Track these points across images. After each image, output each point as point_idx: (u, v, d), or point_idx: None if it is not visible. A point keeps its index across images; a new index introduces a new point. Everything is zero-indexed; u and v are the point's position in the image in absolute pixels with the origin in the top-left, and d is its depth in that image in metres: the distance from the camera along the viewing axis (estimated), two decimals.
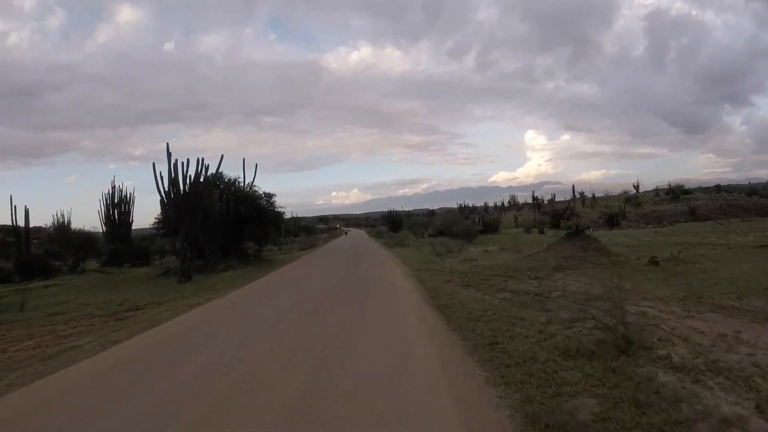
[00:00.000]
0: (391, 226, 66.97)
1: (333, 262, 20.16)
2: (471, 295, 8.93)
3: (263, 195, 23.82)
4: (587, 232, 17.17)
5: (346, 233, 57.49)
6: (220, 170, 23.43)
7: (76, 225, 27.68)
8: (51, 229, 27.52)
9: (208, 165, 17.28)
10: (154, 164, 16.11)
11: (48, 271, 21.44)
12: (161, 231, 22.34)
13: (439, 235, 44.01)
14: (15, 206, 21.89)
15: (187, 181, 16.52)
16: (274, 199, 24.22)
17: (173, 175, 16.02)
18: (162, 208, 17.49)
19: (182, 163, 16.60)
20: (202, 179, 17.25)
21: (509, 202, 77.76)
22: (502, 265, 14.54)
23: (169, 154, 16.11)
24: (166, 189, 16.43)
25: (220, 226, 20.00)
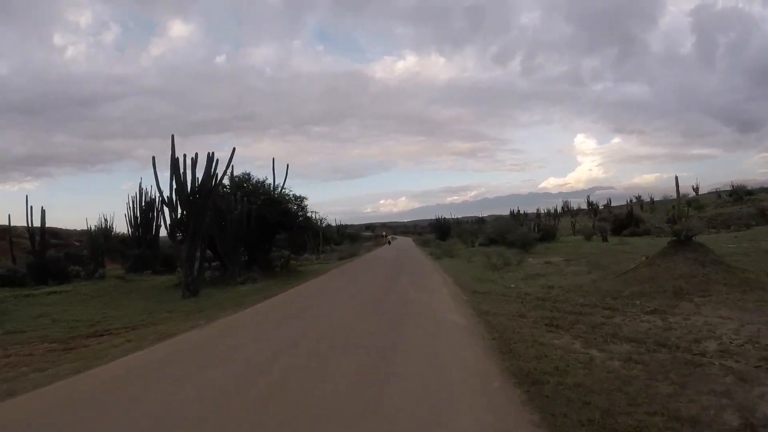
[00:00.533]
0: (439, 234, 63.17)
1: (368, 278, 17.01)
2: (567, 348, 5.41)
3: (293, 198, 21.01)
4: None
5: (389, 242, 54.23)
6: (247, 173, 21.00)
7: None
8: (93, 233, 26.39)
9: (217, 160, 14.51)
10: (153, 158, 13.63)
11: (63, 276, 19.71)
12: (178, 236, 19.98)
13: (492, 244, 40.55)
14: (31, 206, 20.33)
15: (196, 181, 13.90)
16: (306, 202, 21.33)
17: (181, 171, 13.45)
18: (168, 211, 15.02)
19: (191, 158, 14.00)
20: (221, 178, 14.60)
21: (562, 208, 72.10)
22: (586, 286, 10.80)
23: (173, 149, 13.55)
24: (176, 189, 13.85)
25: (240, 233, 17.31)
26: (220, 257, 18.57)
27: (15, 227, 32.96)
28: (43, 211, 20.74)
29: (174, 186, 13.46)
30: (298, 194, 21.28)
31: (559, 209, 69.35)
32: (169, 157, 13.17)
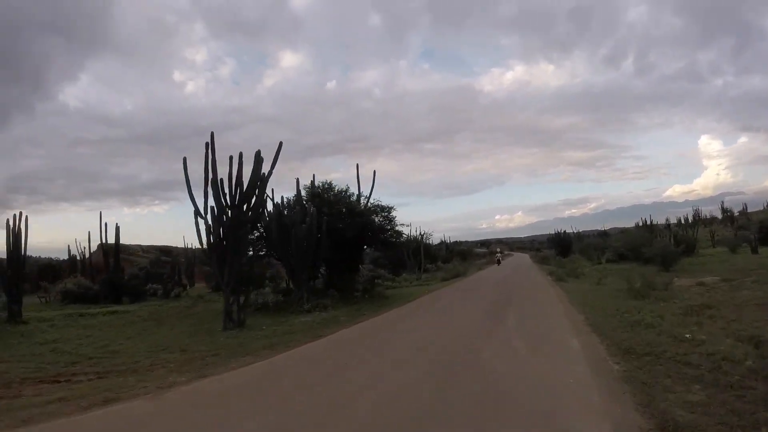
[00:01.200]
0: (559, 249, 55.72)
1: (463, 311, 13.08)
2: None
3: (378, 209, 17.80)
4: None
5: (498, 262, 48.98)
6: (329, 182, 18.33)
7: None
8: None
9: (262, 159, 11.74)
10: (185, 159, 11.25)
11: (137, 294, 18.74)
12: (261, 252, 17.76)
13: (621, 260, 35.03)
14: (105, 223, 19.72)
15: (238, 188, 11.29)
16: (395, 213, 17.98)
17: (212, 176, 10.93)
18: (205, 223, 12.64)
19: (233, 158, 11.43)
20: (267, 176, 11.91)
21: (693, 216, 60.70)
22: None
23: (212, 149, 11.08)
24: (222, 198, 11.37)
25: (306, 250, 14.44)
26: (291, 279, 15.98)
27: (128, 246, 34.61)
28: (117, 229, 19.82)
29: (212, 192, 10.91)
30: (385, 204, 18.02)
31: (685, 219, 58.23)
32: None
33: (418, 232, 41.78)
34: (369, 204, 18.06)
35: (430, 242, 45.07)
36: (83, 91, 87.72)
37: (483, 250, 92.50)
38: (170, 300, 18.72)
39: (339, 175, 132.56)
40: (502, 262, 64.74)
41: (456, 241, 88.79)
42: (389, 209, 17.83)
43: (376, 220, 17.88)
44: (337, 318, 12.47)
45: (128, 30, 79.96)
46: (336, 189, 18.32)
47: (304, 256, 14.48)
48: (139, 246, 47.74)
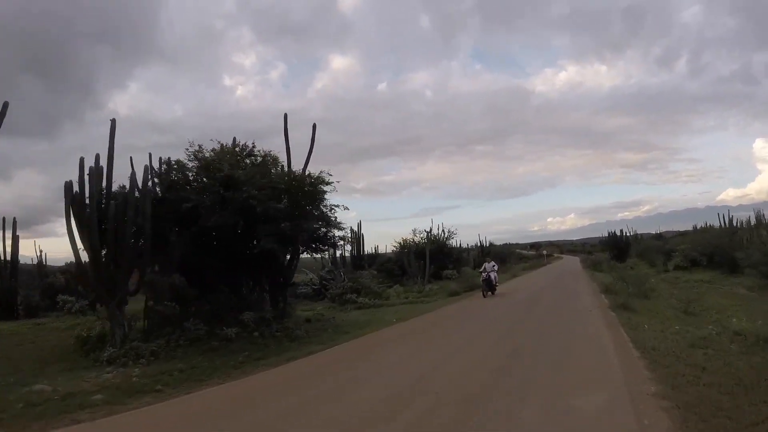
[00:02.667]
0: (615, 252, 46.46)
1: (436, 376, 5.91)
2: None
3: (311, 179, 10.99)
4: None
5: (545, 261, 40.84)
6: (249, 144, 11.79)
7: None
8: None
9: None
10: None
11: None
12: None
13: (693, 267, 30.77)
14: None
15: None
16: (332, 184, 11.09)
17: None
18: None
19: None
20: None
21: (757, 219, 49.30)
22: None
23: None
24: None
25: (126, 250, 7.72)
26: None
27: None
28: None
29: None
30: (320, 175, 11.08)
31: (741, 223, 47.19)
32: None
33: (440, 230, 34.52)
34: (307, 177, 11.18)
35: (454, 243, 37.31)
36: (133, 98, 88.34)
37: (531, 252, 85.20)
38: (70, 316, 13.28)
39: (391, 177, 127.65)
40: (547, 265, 56.23)
41: (506, 243, 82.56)
42: (321, 181, 10.80)
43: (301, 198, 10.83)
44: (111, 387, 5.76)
45: (176, 37, 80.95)
46: (257, 154, 11.57)
47: (119, 261, 7.78)
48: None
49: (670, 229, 73.49)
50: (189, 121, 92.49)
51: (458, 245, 43.90)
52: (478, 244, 55.80)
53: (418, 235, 32.77)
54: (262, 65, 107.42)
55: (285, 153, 12.14)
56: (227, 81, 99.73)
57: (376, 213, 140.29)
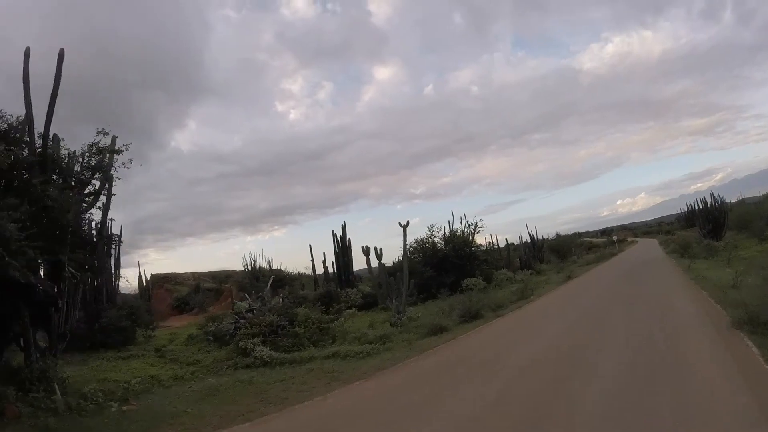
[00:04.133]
0: (710, 228, 35.40)
1: None
2: None
3: None
4: None
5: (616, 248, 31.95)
6: None
7: None
8: None
9: None
10: None
11: None
12: None
13: None
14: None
15: None
16: None
17: None
18: None
19: None
20: None
21: None
22: None
23: None
24: None
25: None
26: None
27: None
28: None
29: None
30: None
31: None
32: None
33: (463, 225, 26.53)
34: None
35: (492, 240, 28.75)
36: (193, 135, 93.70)
37: (600, 239, 75.50)
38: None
39: (450, 178, 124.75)
40: (619, 254, 46.11)
41: (575, 233, 78.05)
42: None
43: None
44: None
45: (222, 74, 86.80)
46: None
47: None
48: (192, 273, 42.06)
49: (749, 195, 60.61)
50: (248, 150, 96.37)
51: (491, 243, 35.70)
52: (528, 240, 46.61)
53: (437, 232, 25.33)
54: (310, 87, 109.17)
55: None
56: (279, 107, 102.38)
57: (439, 216, 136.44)
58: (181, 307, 31.70)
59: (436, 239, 24.75)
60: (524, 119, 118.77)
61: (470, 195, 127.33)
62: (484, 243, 26.55)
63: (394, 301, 13.76)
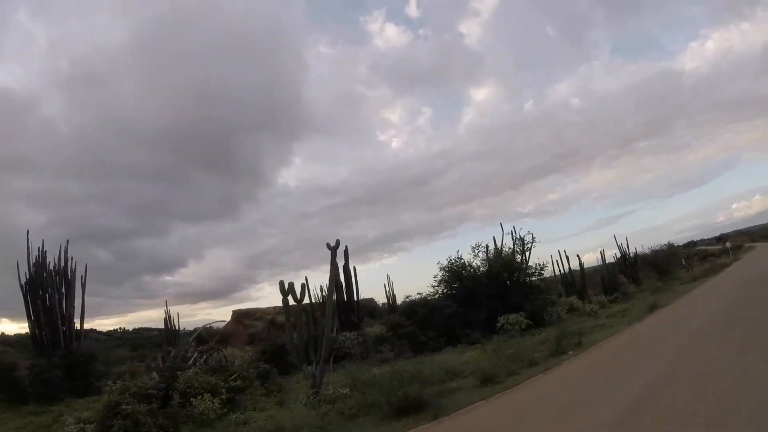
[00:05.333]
0: None
1: None
2: None
3: None
4: None
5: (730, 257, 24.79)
6: None
7: None
8: None
9: None
10: None
11: None
12: None
13: None
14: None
15: None
16: None
17: None
18: None
19: None
20: None
21: None
22: None
23: None
24: None
25: None
26: None
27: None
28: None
29: None
30: None
31: None
32: None
33: (515, 238, 21.00)
34: None
35: (540, 263, 22.06)
36: (299, 170, 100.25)
37: (715, 247, 69.40)
38: None
39: (556, 195, 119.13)
40: (733, 264, 36.45)
41: (690, 242, 76.05)
42: None
43: None
44: None
45: (322, 110, 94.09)
46: None
47: None
48: (273, 308, 38.93)
49: None
50: (353, 180, 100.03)
51: (555, 267, 29.13)
52: (617, 256, 38.53)
53: (479, 254, 19.86)
54: (410, 115, 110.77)
55: None
56: (381, 137, 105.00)
57: (549, 234, 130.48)
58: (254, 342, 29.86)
59: (477, 261, 19.44)
60: (629, 127, 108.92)
61: (578, 210, 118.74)
62: (540, 263, 20.19)
63: (303, 366, 9.07)
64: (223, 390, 8.67)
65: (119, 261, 62.23)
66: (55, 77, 66.19)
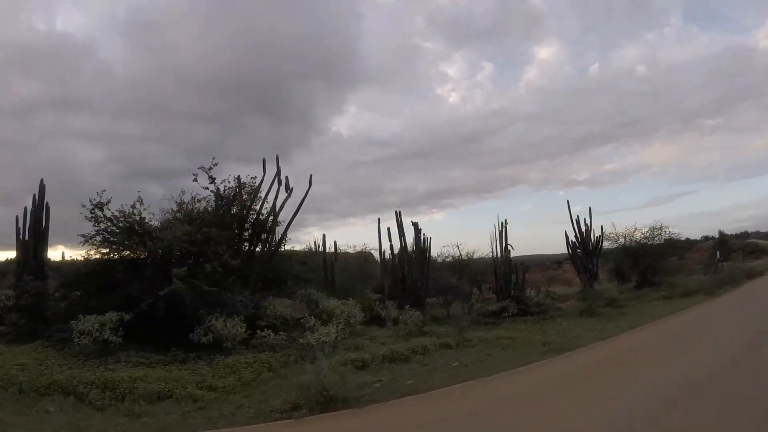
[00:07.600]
0: None
1: None
2: None
3: None
4: None
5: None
6: None
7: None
8: None
9: None
10: None
11: None
12: None
13: None
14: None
15: None
16: None
17: None
18: None
19: None
20: None
21: None
22: None
23: None
24: None
25: None
26: None
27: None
28: None
29: None
30: None
31: None
32: None
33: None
34: None
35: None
36: (352, 120, 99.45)
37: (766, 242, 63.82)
38: None
39: (614, 165, 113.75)
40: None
41: (743, 232, 67.78)
42: None
43: None
44: None
45: (377, 62, 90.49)
46: None
47: None
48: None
49: None
50: (407, 135, 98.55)
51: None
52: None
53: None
54: (470, 69, 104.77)
55: None
56: (438, 91, 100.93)
57: (604, 205, 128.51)
58: None
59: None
60: (695, 102, 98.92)
61: (636, 183, 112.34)
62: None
63: None
64: None
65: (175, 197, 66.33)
66: (113, 24, 68.46)
